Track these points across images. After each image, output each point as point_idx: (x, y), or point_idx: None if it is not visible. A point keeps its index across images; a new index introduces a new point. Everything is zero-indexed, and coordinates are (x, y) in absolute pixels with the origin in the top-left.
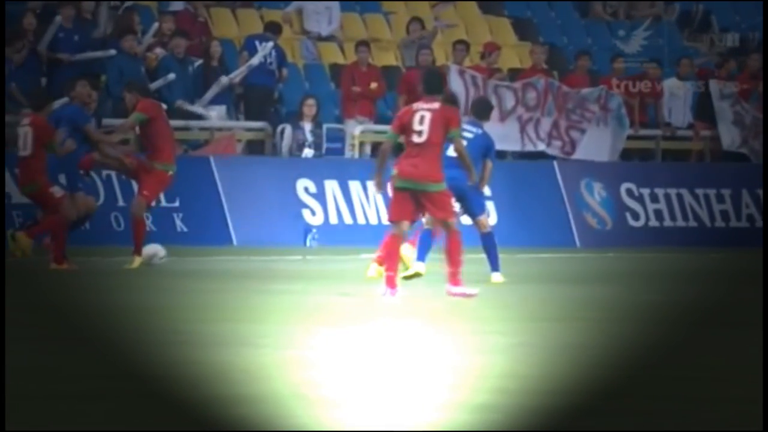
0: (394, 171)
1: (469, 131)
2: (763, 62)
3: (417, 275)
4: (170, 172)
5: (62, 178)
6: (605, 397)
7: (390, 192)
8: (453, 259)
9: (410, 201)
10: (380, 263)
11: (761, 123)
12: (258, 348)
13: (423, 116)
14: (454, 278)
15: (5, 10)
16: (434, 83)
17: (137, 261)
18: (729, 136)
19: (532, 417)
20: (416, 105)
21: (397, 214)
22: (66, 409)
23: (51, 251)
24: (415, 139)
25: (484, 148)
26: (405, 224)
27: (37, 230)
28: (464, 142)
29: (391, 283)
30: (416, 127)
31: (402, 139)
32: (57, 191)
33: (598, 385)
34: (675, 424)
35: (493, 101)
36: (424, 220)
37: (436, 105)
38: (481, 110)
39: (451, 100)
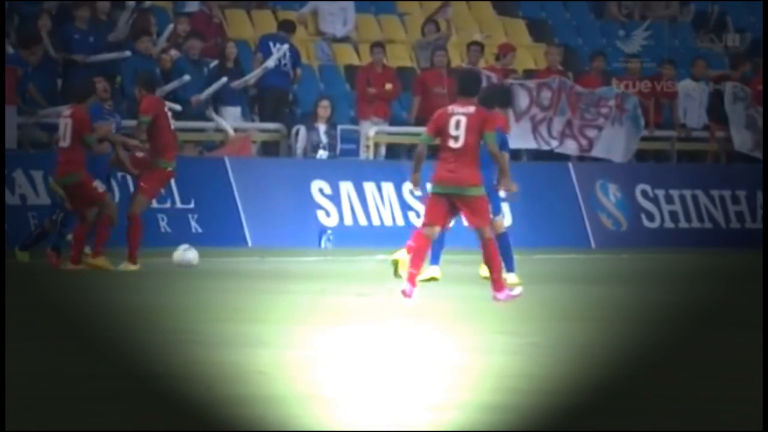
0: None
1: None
2: (763, 63)
3: (432, 279)
4: (170, 169)
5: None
6: (617, 398)
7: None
8: (492, 266)
9: (445, 206)
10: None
11: None
12: (273, 348)
13: (459, 121)
14: (497, 284)
15: (21, 12)
16: (470, 85)
17: (131, 268)
18: (741, 139)
19: (545, 417)
20: (451, 108)
21: (431, 217)
22: (81, 408)
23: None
24: (452, 144)
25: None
26: (437, 229)
27: (99, 243)
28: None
29: (411, 280)
30: (452, 132)
31: (437, 141)
32: (99, 185)
33: (610, 385)
34: (684, 425)
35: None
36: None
37: (471, 109)
38: (487, 102)
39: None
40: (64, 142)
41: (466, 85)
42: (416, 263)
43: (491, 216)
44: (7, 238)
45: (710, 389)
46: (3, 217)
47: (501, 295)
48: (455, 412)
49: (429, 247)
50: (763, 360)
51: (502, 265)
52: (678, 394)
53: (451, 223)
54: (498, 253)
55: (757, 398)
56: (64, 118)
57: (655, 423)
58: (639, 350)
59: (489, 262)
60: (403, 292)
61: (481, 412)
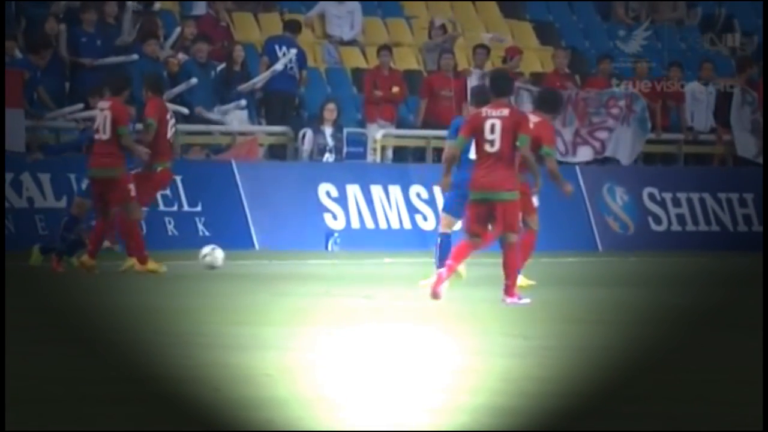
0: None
1: None
2: (763, 63)
3: (459, 274)
4: (162, 168)
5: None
6: (623, 400)
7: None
8: (508, 272)
9: (485, 212)
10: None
11: None
12: (280, 351)
13: (494, 125)
14: (509, 290)
15: (29, 15)
16: (502, 86)
17: (138, 266)
18: (744, 144)
19: (552, 420)
20: (485, 111)
21: (474, 227)
22: (87, 411)
23: (89, 245)
24: (488, 148)
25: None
26: (479, 240)
27: (132, 249)
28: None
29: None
30: (488, 136)
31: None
32: (132, 189)
33: (617, 388)
34: (687, 426)
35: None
36: (441, 222)
37: (505, 112)
38: (479, 100)
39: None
40: (104, 135)
41: (499, 86)
42: (455, 262)
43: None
44: (15, 240)
45: (716, 391)
46: (3, 217)
47: (509, 300)
48: (462, 414)
49: (470, 252)
50: (764, 362)
51: (518, 275)
52: (684, 397)
53: (457, 226)
54: (516, 261)
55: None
56: (102, 110)
57: (663, 425)
58: (646, 353)
59: (506, 268)
60: (434, 293)
61: (488, 415)
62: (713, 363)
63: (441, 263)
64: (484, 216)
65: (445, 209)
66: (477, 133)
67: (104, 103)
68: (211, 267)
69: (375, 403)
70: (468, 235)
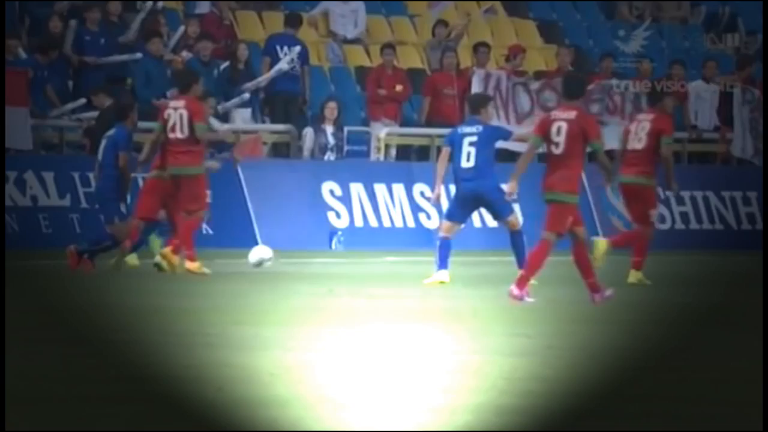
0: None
1: (470, 133)
2: (763, 63)
3: (441, 284)
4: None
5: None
6: (628, 400)
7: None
8: (531, 265)
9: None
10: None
11: None
12: (283, 350)
13: (560, 127)
14: (521, 282)
15: (33, 14)
16: (573, 88)
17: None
18: (742, 144)
19: (558, 419)
20: (554, 113)
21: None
22: (92, 411)
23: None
24: (554, 150)
25: (493, 140)
26: (579, 230)
27: (179, 246)
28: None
29: (594, 288)
30: (554, 138)
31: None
32: (209, 195)
33: (622, 387)
34: (699, 425)
35: (512, 102)
36: (441, 227)
37: (572, 114)
38: (474, 105)
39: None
40: (180, 133)
41: (570, 89)
42: (531, 270)
43: (506, 216)
44: (19, 239)
45: (722, 391)
46: (3, 218)
47: (517, 293)
48: (466, 414)
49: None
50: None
51: (536, 274)
52: (689, 397)
53: (462, 226)
54: (543, 260)
55: None
56: (176, 109)
57: (668, 424)
58: (651, 352)
59: (530, 261)
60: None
61: (494, 414)
62: (719, 362)
63: (442, 264)
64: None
65: (446, 216)
66: (546, 135)
67: (177, 102)
68: (258, 265)
69: (379, 402)
70: (567, 234)
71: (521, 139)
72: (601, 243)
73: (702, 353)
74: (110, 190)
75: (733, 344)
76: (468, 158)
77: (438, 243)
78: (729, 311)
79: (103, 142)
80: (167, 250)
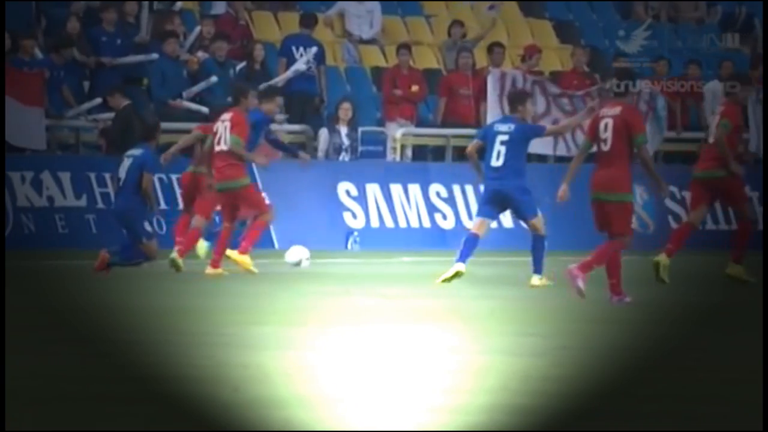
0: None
1: (503, 132)
2: (763, 63)
3: (457, 275)
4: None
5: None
6: (641, 400)
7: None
8: (610, 271)
9: (601, 212)
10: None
11: None
12: (299, 350)
13: (606, 123)
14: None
15: (49, 14)
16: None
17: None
18: (756, 142)
19: (570, 419)
20: (602, 111)
21: (597, 225)
22: (108, 410)
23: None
24: (602, 147)
25: (525, 140)
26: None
27: (249, 243)
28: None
29: (616, 290)
30: (602, 135)
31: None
32: (266, 197)
33: (634, 387)
34: (707, 425)
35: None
36: (472, 224)
37: (617, 110)
38: (513, 102)
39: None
40: (224, 146)
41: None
42: (613, 273)
43: (530, 218)
44: (35, 239)
45: (739, 392)
46: (3, 218)
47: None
48: (481, 414)
49: (619, 252)
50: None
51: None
52: (701, 397)
53: (491, 223)
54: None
55: None
56: (223, 121)
57: (680, 425)
58: (666, 352)
59: (608, 267)
60: (616, 301)
61: (507, 414)
62: (735, 362)
63: (461, 257)
64: (600, 215)
65: (477, 212)
66: (595, 133)
67: (226, 115)
68: (297, 265)
69: (390, 402)
70: (601, 233)
71: (554, 133)
72: (663, 260)
73: (717, 354)
74: (134, 210)
75: (749, 344)
76: (498, 157)
77: (465, 237)
78: (745, 311)
79: (127, 161)
80: (235, 253)
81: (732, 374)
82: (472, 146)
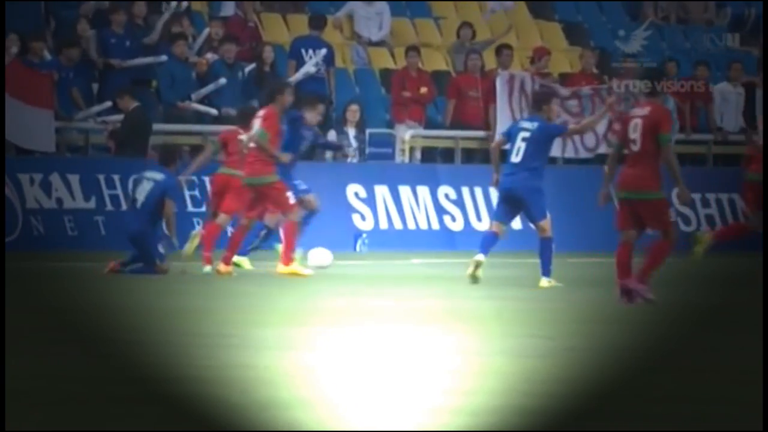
0: None
1: (525, 129)
2: (764, 62)
3: (478, 265)
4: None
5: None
6: (650, 401)
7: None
8: (652, 261)
9: (631, 212)
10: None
11: None
12: (307, 351)
13: (636, 123)
14: (643, 276)
15: (58, 16)
16: (652, 84)
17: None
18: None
19: (578, 420)
20: (633, 111)
21: (621, 223)
22: (115, 411)
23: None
24: (632, 147)
25: (546, 139)
26: (632, 233)
27: (288, 250)
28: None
29: (643, 280)
30: (631, 135)
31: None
32: (291, 197)
33: (642, 388)
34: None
35: None
36: (488, 225)
37: (647, 109)
38: (537, 102)
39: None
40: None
41: (650, 86)
42: (623, 274)
43: (539, 220)
44: (44, 241)
45: (743, 392)
46: (3, 218)
47: (636, 287)
48: (489, 416)
49: (630, 253)
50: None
51: (656, 269)
52: (710, 398)
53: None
54: (665, 256)
55: None
56: (257, 117)
57: (689, 425)
58: (670, 353)
59: (652, 255)
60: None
61: (515, 415)
62: (736, 363)
63: (483, 249)
64: (629, 214)
65: (493, 216)
66: (624, 134)
67: (262, 111)
68: (322, 267)
69: (397, 403)
70: (621, 232)
71: (576, 132)
72: (705, 236)
73: (725, 355)
74: (149, 234)
75: (758, 345)
76: (517, 153)
77: (484, 233)
78: (754, 312)
79: (147, 185)
80: (281, 267)
81: (733, 375)
82: (496, 143)
